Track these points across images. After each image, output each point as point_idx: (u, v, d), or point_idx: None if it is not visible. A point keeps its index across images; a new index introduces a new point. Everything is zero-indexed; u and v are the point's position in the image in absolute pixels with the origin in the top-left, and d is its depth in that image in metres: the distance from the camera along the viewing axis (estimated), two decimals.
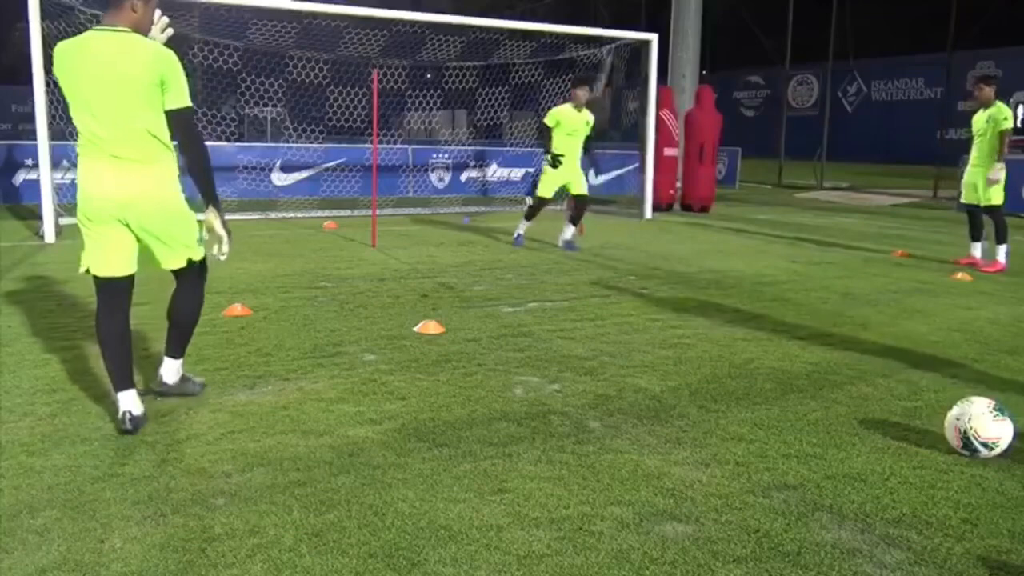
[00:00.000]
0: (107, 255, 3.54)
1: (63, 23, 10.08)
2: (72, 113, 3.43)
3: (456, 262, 8.30)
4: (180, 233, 3.61)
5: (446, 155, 16.41)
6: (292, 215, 12.34)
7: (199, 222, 3.71)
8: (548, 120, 9.00)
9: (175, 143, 3.54)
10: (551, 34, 13.28)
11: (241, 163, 13.84)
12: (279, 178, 14.68)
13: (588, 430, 3.65)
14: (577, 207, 9.39)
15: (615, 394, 4.16)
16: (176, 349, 3.89)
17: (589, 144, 9.18)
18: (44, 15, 9.18)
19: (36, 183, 10.13)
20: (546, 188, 9.20)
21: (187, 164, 3.55)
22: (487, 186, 16.55)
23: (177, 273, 3.75)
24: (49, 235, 9.23)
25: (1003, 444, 3.37)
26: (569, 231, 9.38)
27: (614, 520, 2.81)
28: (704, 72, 22.79)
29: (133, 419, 3.50)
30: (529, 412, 3.87)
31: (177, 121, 3.47)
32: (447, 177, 16.27)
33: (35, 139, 9.53)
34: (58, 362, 4.50)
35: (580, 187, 9.23)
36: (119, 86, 3.33)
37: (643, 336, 5.36)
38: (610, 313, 6.02)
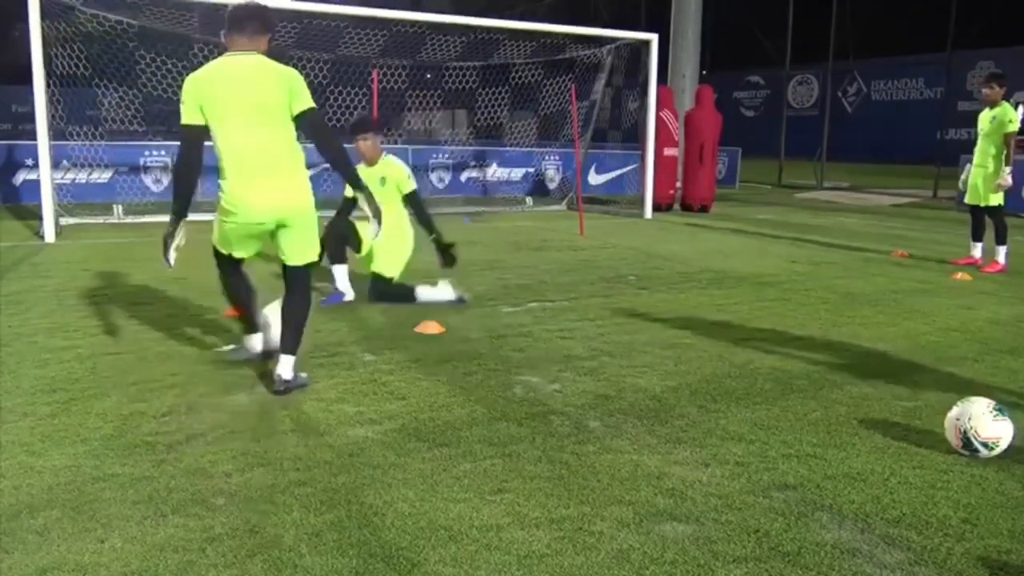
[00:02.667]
0: (239, 242, 4.13)
1: (63, 23, 10.09)
2: (218, 135, 3.85)
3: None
4: (312, 235, 4.16)
5: (446, 155, 16.40)
6: None
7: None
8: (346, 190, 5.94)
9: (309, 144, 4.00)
10: (551, 34, 13.28)
11: None
12: None
13: (588, 430, 3.65)
14: (373, 288, 6.19)
15: (615, 394, 4.16)
16: (291, 346, 4.11)
17: (415, 211, 6.32)
18: (44, 15, 9.17)
19: (36, 183, 10.12)
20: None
21: (329, 159, 4.10)
22: (487, 186, 16.55)
23: (295, 273, 4.15)
24: (49, 235, 9.22)
25: (1003, 444, 3.37)
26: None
27: (614, 520, 2.81)
28: (704, 72, 22.79)
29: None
30: (529, 412, 3.87)
31: (311, 119, 3.94)
32: (447, 177, 16.27)
33: (35, 139, 9.53)
34: (58, 362, 4.50)
35: (380, 263, 6.20)
36: (262, 103, 3.83)
37: (643, 336, 5.36)
38: (610, 313, 6.02)
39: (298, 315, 4.17)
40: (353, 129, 6.21)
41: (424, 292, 6.19)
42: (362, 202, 4.14)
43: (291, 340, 4.12)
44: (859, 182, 21.68)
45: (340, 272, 6.26)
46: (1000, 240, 8.30)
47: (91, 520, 2.75)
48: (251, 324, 4.43)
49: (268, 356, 4.42)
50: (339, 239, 6.18)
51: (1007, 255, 8.31)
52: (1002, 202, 8.33)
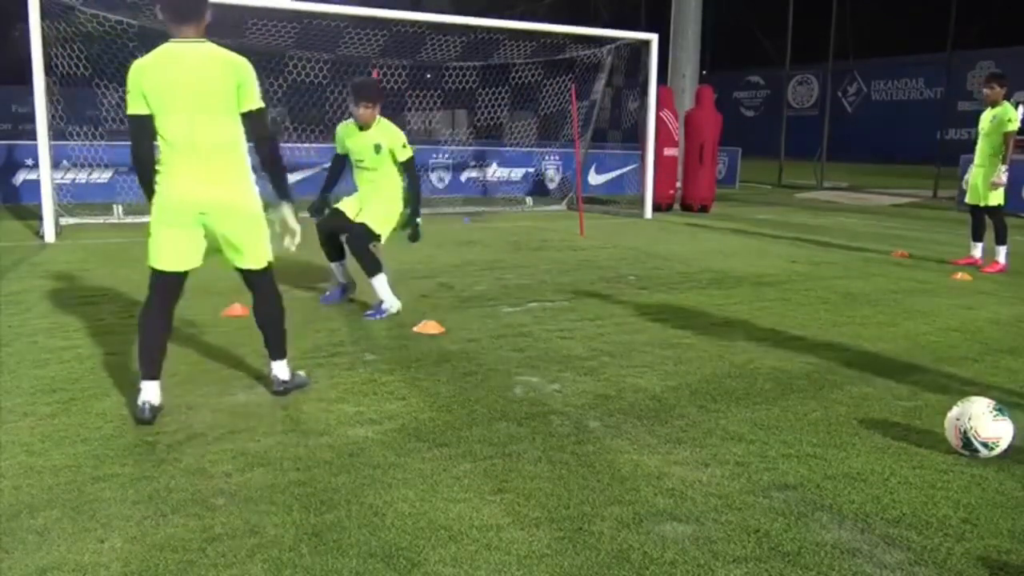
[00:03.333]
0: (177, 252, 3.74)
1: (63, 23, 10.08)
2: (159, 124, 3.60)
3: (456, 262, 8.30)
4: (260, 234, 3.87)
5: (446, 155, 16.40)
6: None
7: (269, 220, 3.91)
8: (336, 145, 6.08)
9: (250, 144, 3.77)
10: (551, 34, 13.28)
11: None
12: None
13: (588, 430, 3.65)
14: (348, 244, 5.90)
15: (615, 394, 4.16)
16: (277, 351, 4.03)
17: (407, 179, 5.82)
18: (44, 15, 9.17)
19: (36, 183, 10.12)
20: (339, 202, 6.00)
21: (262, 162, 3.78)
22: (487, 186, 16.55)
23: (253, 277, 3.92)
24: (49, 235, 9.22)
25: (1003, 444, 3.37)
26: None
27: (614, 520, 2.81)
28: (704, 72, 22.80)
29: (153, 409, 3.64)
30: (529, 412, 3.87)
31: (257, 120, 3.70)
32: (447, 177, 16.27)
33: (35, 139, 9.53)
34: (58, 362, 4.50)
35: (366, 215, 5.78)
36: (205, 94, 3.58)
37: (643, 336, 5.36)
38: (610, 313, 6.02)
39: (273, 319, 4.02)
40: (357, 93, 5.64)
41: (381, 281, 5.76)
42: (286, 212, 3.88)
43: (275, 345, 4.03)
44: (859, 182, 21.68)
45: (339, 269, 6.20)
46: (1000, 240, 8.30)
47: (91, 520, 2.75)
48: (148, 367, 3.71)
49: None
50: (330, 237, 6.00)
51: (1007, 255, 8.31)
52: (1002, 202, 8.33)
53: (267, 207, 3.88)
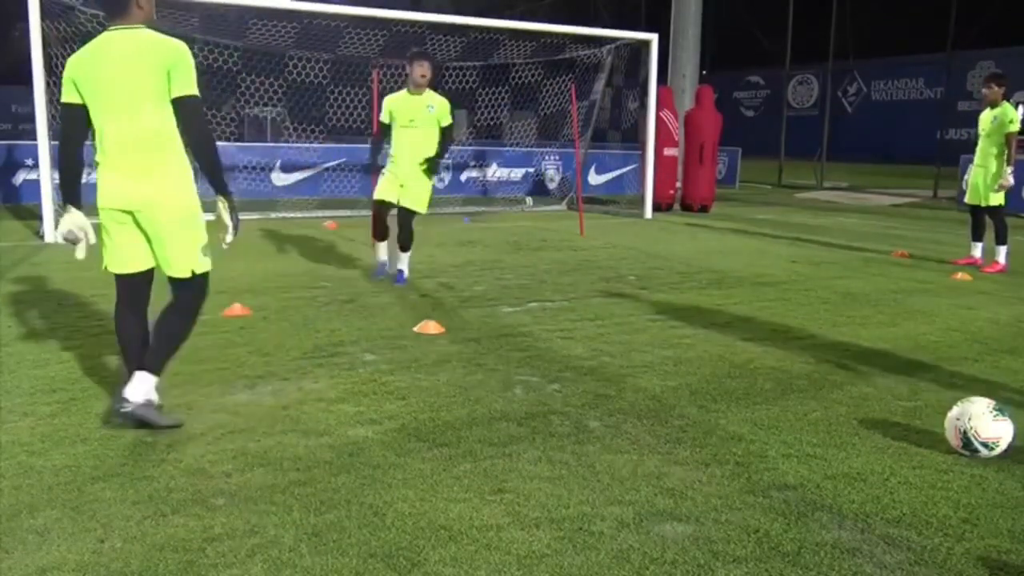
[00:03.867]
0: (122, 254, 3.55)
1: (63, 23, 10.08)
2: (92, 117, 3.43)
3: (456, 262, 8.30)
4: (187, 238, 3.53)
5: (446, 155, 16.39)
6: (292, 215, 12.33)
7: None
8: (382, 115, 6.94)
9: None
10: (551, 34, 13.28)
11: (241, 163, 13.84)
12: (279, 178, 14.68)
13: (588, 430, 3.65)
14: (401, 227, 6.92)
15: (615, 394, 4.16)
16: (153, 363, 3.53)
17: (443, 140, 6.90)
18: (44, 15, 9.18)
19: (36, 183, 10.13)
20: (379, 190, 6.96)
21: (194, 153, 3.50)
22: (487, 186, 16.55)
23: (175, 286, 3.60)
24: (49, 235, 9.22)
25: (1003, 444, 3.37)
26: (401, 260, 7.02)
27: (614, 520, 2.81)
28: (704, 72, 22.79)
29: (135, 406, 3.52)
30: (529, 412, 3.87)
31: (186, 108, 3.41)
32: (447, 177, 16.27)
33: (35, 139, 9.53)
34: (58, 362, 4.50)
35: (412, 199, 6.85)
36: (132, 84, 3.36)
37: (643, 336, 5.36)
38: (610, 313, 6.02)
39: (170, 329, 3.59)
40: (421, 56, 6.79)
41: (409, 254, 7.09)
42: (220, 207, 3.58)
43: (153, 355, 3.54)
44: (859, 182, 21.68)
45: (383, 248, 7.22)
46: (1000, 240, 8.30)
47: (91, 520, 2.75)
48: (130, 364, 3.61)
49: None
50: (381, 219, 6.96)
51: (1007, 255, 8.31)
52: (1003, 202, 8.33)
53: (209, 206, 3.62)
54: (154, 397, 3.52)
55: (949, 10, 18.71)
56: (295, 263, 7.98)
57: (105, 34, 3.45)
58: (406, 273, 7.06)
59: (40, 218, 9.48)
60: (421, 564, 2.51)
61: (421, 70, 6.69)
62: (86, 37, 10.52)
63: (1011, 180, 8.18)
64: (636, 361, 4.76)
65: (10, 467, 3.14)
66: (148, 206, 3.43)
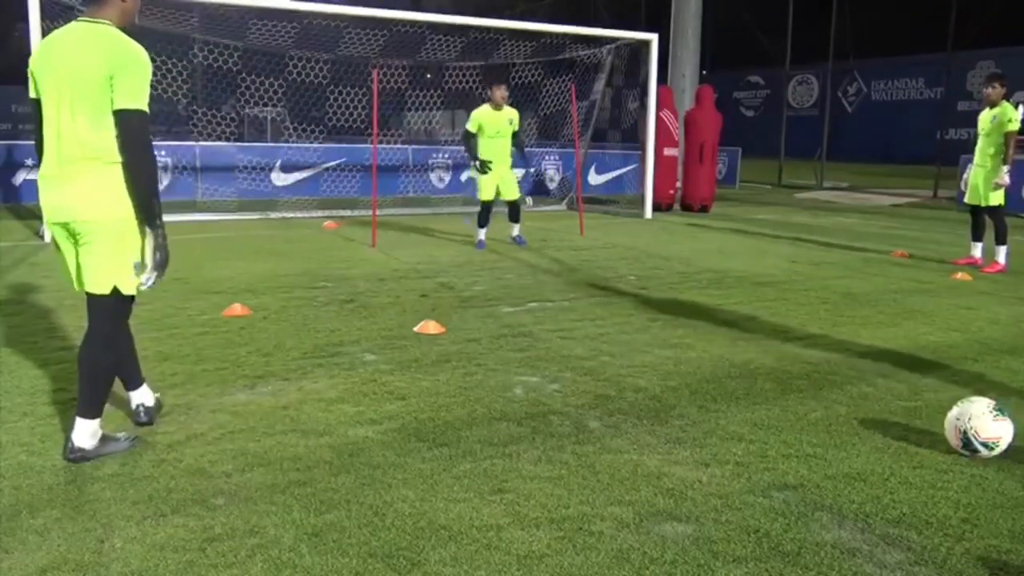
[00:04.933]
0: (69, 270, 3.29)
1: (63, 23, 10.08)
2: (43, 113, 3.17)
3: (456, 262, 8.30)
4: (113, 251, 3.13)
5: (446, 155, 16.40)
6: (292, 215, 12.34)
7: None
8: (470, 125, 9.21)
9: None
10: (551, 34, 13.28)
11: (241, 163, 13.85)
12: (279, 178, 14.68)
13: (588, 430, 3.65)
14: (511, 210, 9.64)
15: (615, 394, 4.16)
16: (87, 407, 3.22)
17: (517, 141, 9.38)
18: (44, 15, 9.17)
19: (36, 183, 10.12)
20: (484, 192, 9.28)
21: (126, 173, 3.08)
22: None
23: (93, 306, 3.23)
24: (49, 235, 9.22)
25: (1003, 444, 3.37)
26: (515, 228, 9.71)
27: (614, 520, 2.81)
28: (704, 72, 22.79)
29: (147, 410, 3.57)
30: (529, 412, 3.87)
31: (123, 123, 3.05)
32: (447, 177, 16.27)
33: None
34: (58, 362, 4.50)
35: (511, 191, 9.42)
36: (73, 85, 3.06)
37: (643, 336, 5.36)
38: (610, 313, 6.02)
39: (96, 365, 3.24)
40: (498, 80, 9.53)
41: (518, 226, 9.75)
42: (146, 245, 3.18)
43: (86, 398, 3.23)
44: (859, 182, 21.67)
45: (484, 232, 9.40)
46: (1000, 240, 8.29)
47: (91, 520, 2.75)
48: (127, 382, 3.56)
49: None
50: (487, 213, 9.35)
51: (1007, 255, 8.31)
52: (1002, 202, 8.33)
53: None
54: (95, 439, 3.24)
55: (949, 10, 18.71)
56: (295, 263, 7.98)
57: (69, 24, 3.17)
58: (523, 236, 9.65)
59: (40, 218, 9.48)
60: (421, 564, 2.51)
61: (502, 92, 9.07)
62: None
63: (1007, 179, 8.18)
64: (636, 361, 4.76)
65: (10, 467, 3.14)
66: (73, 216, 3.10)
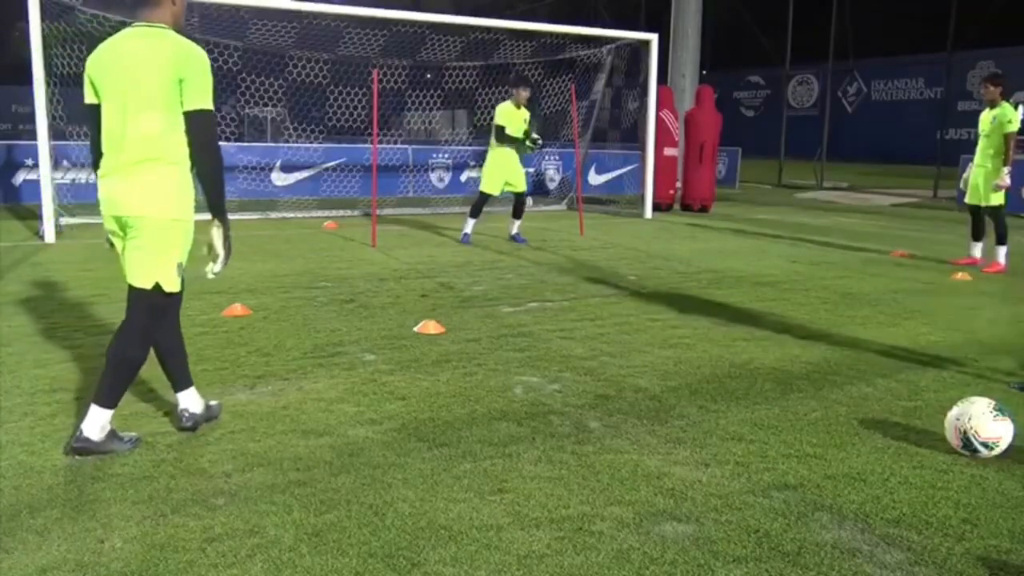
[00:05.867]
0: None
1: (63, 23, 10.08)
2: (103, 115, 3.28)
3: (456, 262, 8.30)
4: (161, 248, 3.26)
5: (446, 155, 16.40)
6: (292, 215, 12.34)
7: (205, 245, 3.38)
8: (499, 120, 9.60)
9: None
10: (551, 34, 13.28)
11: (241, 163, 13.85)
12: (279, 178, 14.68)
13: (588, 430, 3.65)
14: (517, 205, 10.02)
15: (615, 394, 4.16)
16: (105, 396, 3.28)
17: (531, 138, 9.82)
18: (44, 15, 9.18)
19: (36, 183, 10.13)
20: (491, 184, 9.69)
21: (197, 171, 3.29)
22: None
23: (133, 299, 3.33)
24: (49, 235, 9.22)
25: (1003, 444, 3.37)
26: (515, 225, 10.01)
27: (614, 520, 2.81)
28: (704, 72, 22.78)
29: (191, 416, 3.53)
30: (529, 412, 3.87)
31: (194, 123, 3.21)
32: (447, 177, 16.26)
33: (35, 139, 9.53)
34: (58, 362, 4.50)
35: (520, 184, 9.87)
36: (140, 88, 3.18)
37: (643, 336, 5.36)
38: (610, 313, 6.02)
39: (123, 357, 3.30)
40: (524, 81, 10.21)
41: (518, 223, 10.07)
42: (213, 232, 3.34)
43: (105, 387, 3.29)
44: (859, 182, 21.67)
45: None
46: (1000, 240, 8.29)
47: (91, 520, 2.75)
48: (175, 381, 3.58)
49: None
50: (485, 202, 9.82)
51: (1007, 255, 8.31)
52: (1003, 202, 8.33)
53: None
54: (103, 432, 3.27)
55: (949, 10, 18.70)
56: (295, 263, 7.98)
57: (125, 30, 3.31)
58: (523, 234, 9.97)
59: (40, 218, 9.48)
60: (421, 564, 2.51)
61: (526, 93, 9.71)
62: (86, 37, 10.58)
63: (1008, 180, 8.18)
64: (636, 361, 4.76)
65: (10, 467, 3.14)
66: (127, 211, 3.22)
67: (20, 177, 12.80)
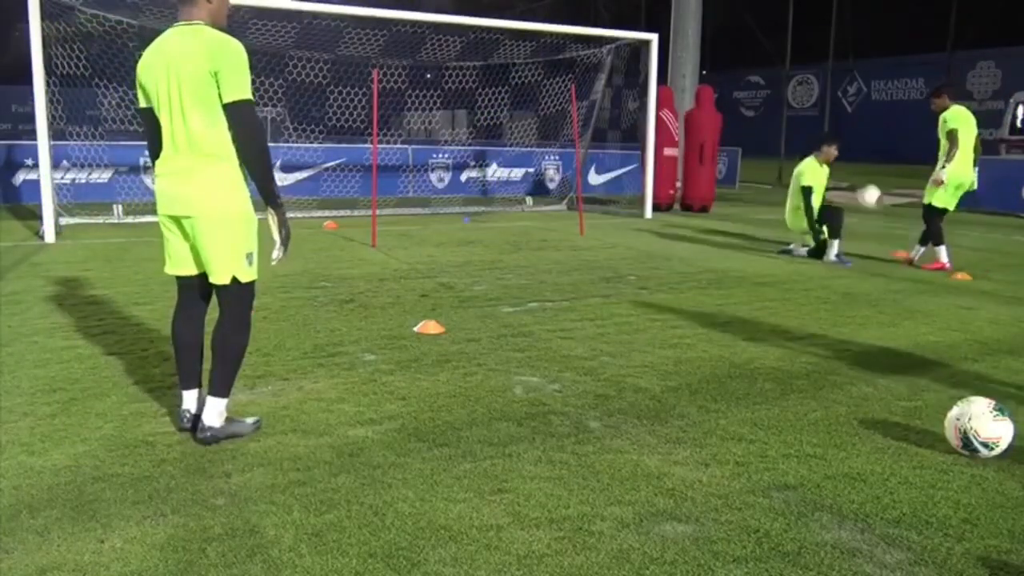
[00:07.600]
0: (175, 253, 3.48)
1: (63, 23, 10.08)
2: (160, 119, 3.33)
3: (456, 262, 8.30)
4: (227, 245, 3.36)
5: (446, 155, 16.41)
6: (292, 215, 12.31)
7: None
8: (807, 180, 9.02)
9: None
10: (551, 34, 13.28)
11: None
12: (279, 178, 14.65)
13: (588, 430, 3.65)
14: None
15: (615, 394, 4.16)
16: (218, 386, 3.44)
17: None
18: (44, 15, 9.17)
19: (36, 183, 10.13)
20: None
21: (243, 161, 3.33)
22: (487, 186, 16.56)
23: (220, 293, 3.46)
24: (49, 235, 9.22)
25: (1003, 444, 3.37)
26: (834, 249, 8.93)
27: (614, 520, 2.81)
28: (704, 72, 22.79)
29: (192, 418, 3.52)
30: (529, 412, 3.87)
31: (234, 114, 3.23)
32: (447, 177, 16.27)
33: (35, 139, 9.53)
34: (58, 362, 4.50)
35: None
36: (181, 86, 3.22)
37: (643, 336, 5.36)
38: (610, 313, 6.02)
39: (226, 345, 3.45)
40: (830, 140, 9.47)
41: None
42: (269, 220, 3.45)
43: (217, 378, 3.44)
44: (859, 182, 21.62)
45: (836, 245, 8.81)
46: (925, 240, 8.59)
47: (91, 520, 2.75)
48: (183, 376, 3.59)
49: None
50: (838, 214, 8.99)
51: (929, 255, 8.51)
52: (940, 204, 8.50)
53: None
54: (222, 418, 3.45)
55: (949, 10, 18.71)
56: (295, 263, 7.98)
57: (168, 31, 3.37)
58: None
59: (40, 218, 9.48)
60: (421, 564, 2.51)
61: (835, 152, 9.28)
62: (86, 37, 10.58)
63: (943, 176, 8.36)
64: (636, 361, 4.76)
65: (10, 467, 3.14)
66: (192, 212, 3.30)
67: (20, 177, 12.80)
